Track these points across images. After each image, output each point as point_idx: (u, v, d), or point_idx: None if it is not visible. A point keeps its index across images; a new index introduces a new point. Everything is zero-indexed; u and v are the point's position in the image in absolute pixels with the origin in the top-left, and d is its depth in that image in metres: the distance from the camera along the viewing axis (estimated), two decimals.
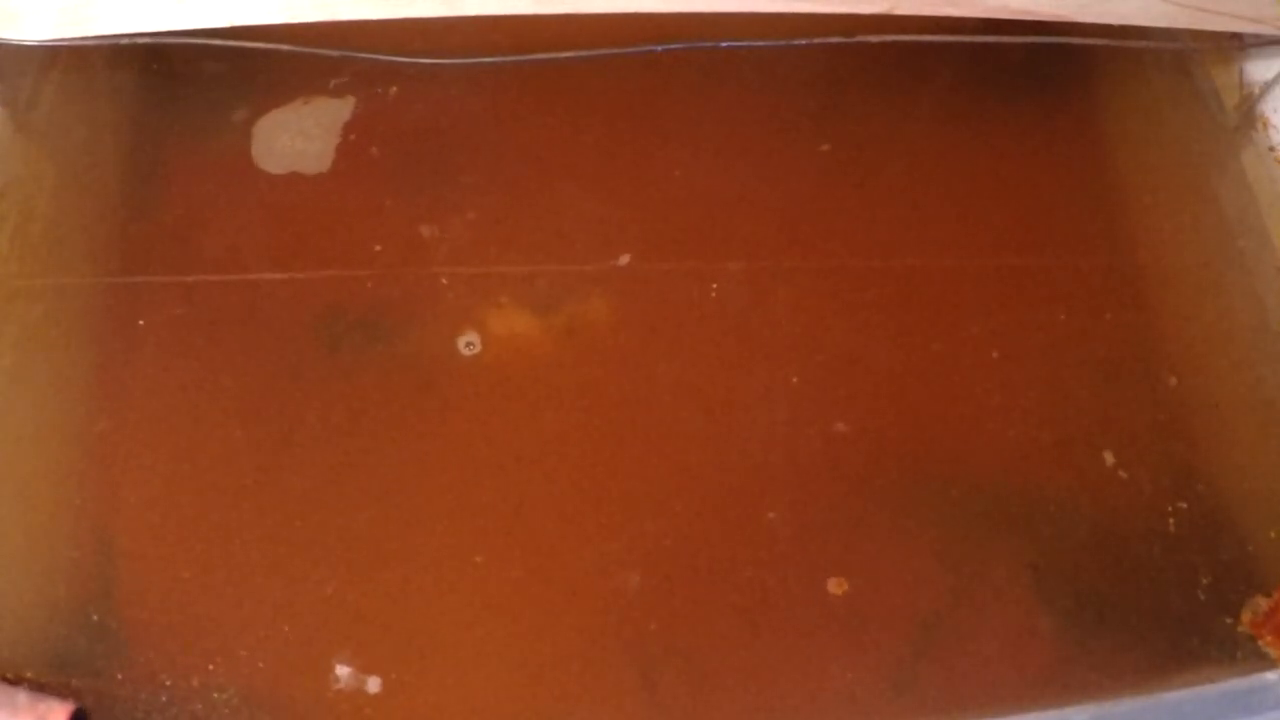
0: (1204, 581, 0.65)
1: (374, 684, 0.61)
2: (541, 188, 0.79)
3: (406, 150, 0.80)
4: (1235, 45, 0.82)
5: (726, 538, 0.66)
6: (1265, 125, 0.80)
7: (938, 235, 0.78)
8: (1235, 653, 0.63)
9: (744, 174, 0.80)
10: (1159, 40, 0.83)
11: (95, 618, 0.62)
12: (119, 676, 0.60)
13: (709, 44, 0.81)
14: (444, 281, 0.74)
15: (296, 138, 0.80)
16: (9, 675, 0.59)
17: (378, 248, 0.75)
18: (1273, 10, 0.76)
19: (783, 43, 0.81)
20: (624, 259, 0.75)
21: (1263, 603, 0.63)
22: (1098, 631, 0.64)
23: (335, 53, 0.78)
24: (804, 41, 0.80)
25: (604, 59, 0.81)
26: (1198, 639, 0.64)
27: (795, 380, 0.71)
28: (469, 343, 0.71)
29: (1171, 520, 0.67)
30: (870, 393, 0.71)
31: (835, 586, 0.65)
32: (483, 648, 0.63)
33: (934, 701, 0.62)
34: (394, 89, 0.82)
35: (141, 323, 0.72)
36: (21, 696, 0.57)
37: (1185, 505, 0.67)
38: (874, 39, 0.78)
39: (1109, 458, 0.69)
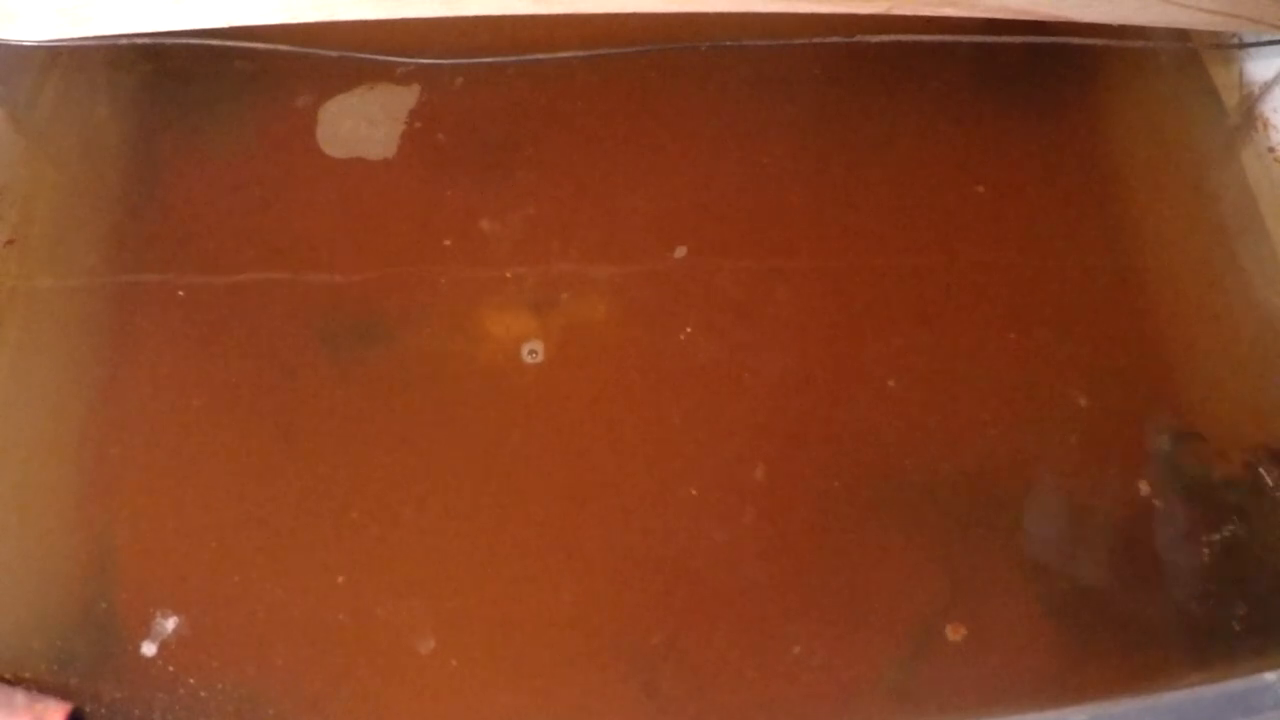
0: (1204, 585, 0.65)
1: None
2: (590, 183, 0.79)
3: (470, 142, 0.80)
4: (1235, 45, 0.82)
5: (726, 539, 0.66)
6: (1265, 125, 0.80)
7: (936, 235, 0.78)
8: (1235, 653, 0.63)
9: (740, 173, 0.80)
10: (1159, 40, 0.83)
11: (94, 618, 0.62)
12: (117, 677, 0.60)
13: (708, 44, 0.81)
14: (508, 275, 0.74)
15: (361, 123, 0.80)
16: (7, 675, 0.60)
17: (447, 242, 0.76)
18: (1273, 10, 0.76)
19: (782, 42, 0.81)
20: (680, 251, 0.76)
21: None
22: (1097, 631, 0.64)
23: (334, 53, 0.78)
24: (803, 41, 0.80)
25: (619, 58, 0.81)
26: (1198, 639, 0.64)
27: (792, 383, 0.71)
28: (532, 350, 0.71)
29: None
30: (862, 391, 0.71)
31: (835, 587, 0.65)
32: (481, 650, 0.63)
33: (934, 702, 0.62)
34: (459, 79, 0.82)
35: (143, 322, 0.72)
36: (19, 697, 0.57)
37: None
38: (874, 39, 0.78)
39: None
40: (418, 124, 0.80)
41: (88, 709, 0.59)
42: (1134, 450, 0.69)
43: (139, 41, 0.73)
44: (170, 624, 0.62)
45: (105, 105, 0.82)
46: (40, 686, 0.59)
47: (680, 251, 0.76)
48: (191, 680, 0.61)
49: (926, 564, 0.65)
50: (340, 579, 0.64)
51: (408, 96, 0.81)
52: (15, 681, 0.59)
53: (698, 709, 0.61)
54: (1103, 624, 0.64)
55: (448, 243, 0.76)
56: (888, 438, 0.69)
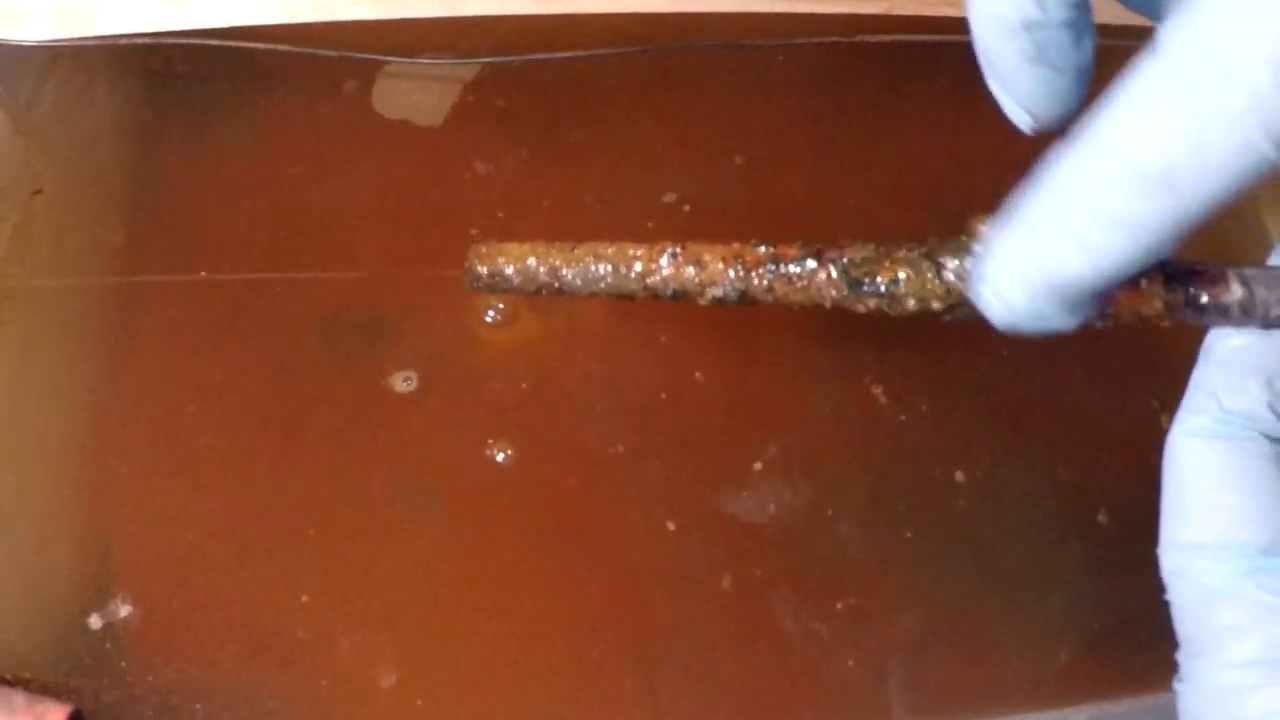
0: None
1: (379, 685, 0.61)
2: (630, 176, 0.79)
3: (522, 118, 0.80)
4: None
5: (725, 538, 0.66)
6: None
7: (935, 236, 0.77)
8: None
9: (740, 173, 0.80)
10: None
11: (94, 619, 0.62)
12: (118, 678, 0.60)
13: (707, 44, 0.81)
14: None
15: (414, 90, 0.81)
16: (7, 676, 0.59)
17: (474, 231, 0.75)
18: None
19: (782, 42, 0.81)
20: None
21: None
22: (1098, 632, 0.64)
23: (334, 53, 0.78)
24: (803, 41, 0.80)
25: (636, 57, 0.81)
26: None
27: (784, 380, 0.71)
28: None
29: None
30: (849, 387, 0.71)
31: (838, 586, 0.65)
32: (481, 652, 0.63)
33: (934, 702, 0.62)
34: (518, 60, 0.83)
35: (144, 322, 0.72)
36: (19, 698, 0.57)
37: None
38: (874, 39, 0.78)
39: (1103, 517, 0.69)
40: (470, 98, 0.80)
41: (88, 710, 0.59)
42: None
43: (139, 41, 0.73)
44: (123, 611, 0.62)
45: (107, 105, 0.82)
46: (40, 687, 0.59)
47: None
48: (122, 664, 0.60)
49: (931, 560, 0.65)
50: (305, 598, 0.63)
51: (466, 70, 0.82)
52: (15, 682, 0.59)
53: (696, 706, 0.62)
54: (1106, 621, 0.64)
55: (474, 232, 0.74)
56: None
